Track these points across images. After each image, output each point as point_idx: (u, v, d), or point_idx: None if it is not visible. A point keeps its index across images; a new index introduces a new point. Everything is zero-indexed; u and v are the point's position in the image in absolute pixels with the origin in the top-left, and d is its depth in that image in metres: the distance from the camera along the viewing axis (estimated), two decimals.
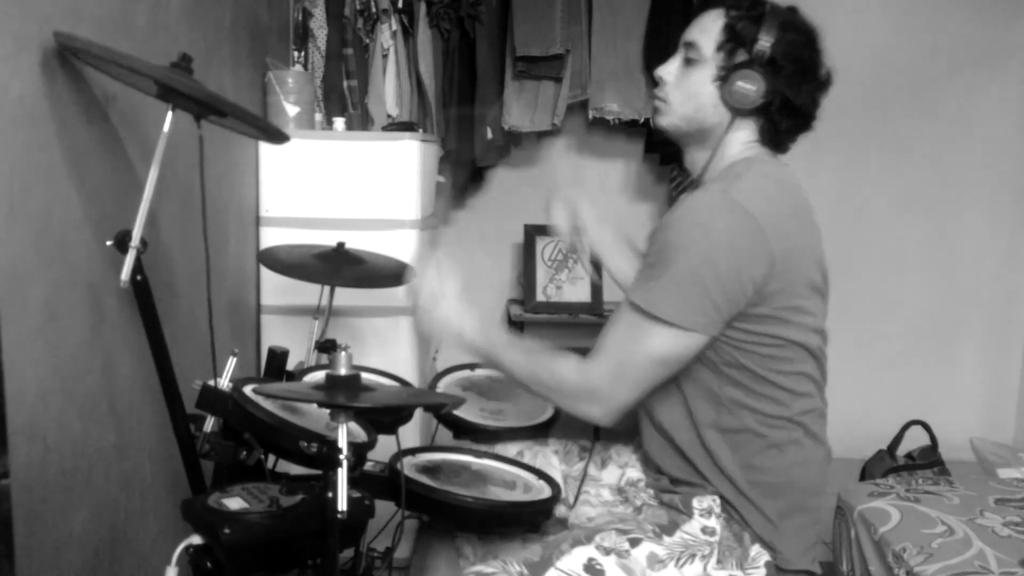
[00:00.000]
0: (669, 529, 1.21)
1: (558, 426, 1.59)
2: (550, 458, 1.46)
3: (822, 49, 1.23)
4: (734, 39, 1.19)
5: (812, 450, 1.24)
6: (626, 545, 1.16)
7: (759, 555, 1.20)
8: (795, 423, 1.21)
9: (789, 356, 1.19)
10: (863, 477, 2.37)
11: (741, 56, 1.19)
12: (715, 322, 1.13)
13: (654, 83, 1.31)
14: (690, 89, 1.23)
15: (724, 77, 1.20)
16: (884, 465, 2.37)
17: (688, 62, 1.24)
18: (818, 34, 1.23)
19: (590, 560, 1.14)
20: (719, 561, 1.18)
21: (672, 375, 1.19)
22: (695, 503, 1.22)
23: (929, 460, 2.37)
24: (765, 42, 1.17)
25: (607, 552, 1.15)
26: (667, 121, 1.28)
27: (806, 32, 1.21)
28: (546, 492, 1.34)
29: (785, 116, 1.22)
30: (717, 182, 1.20)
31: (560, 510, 1.38)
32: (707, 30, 1.22)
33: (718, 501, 1.22)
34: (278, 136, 1.42)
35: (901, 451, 2.43)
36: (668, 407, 1.25)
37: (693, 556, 1.18)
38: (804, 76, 1.20)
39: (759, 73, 1.17)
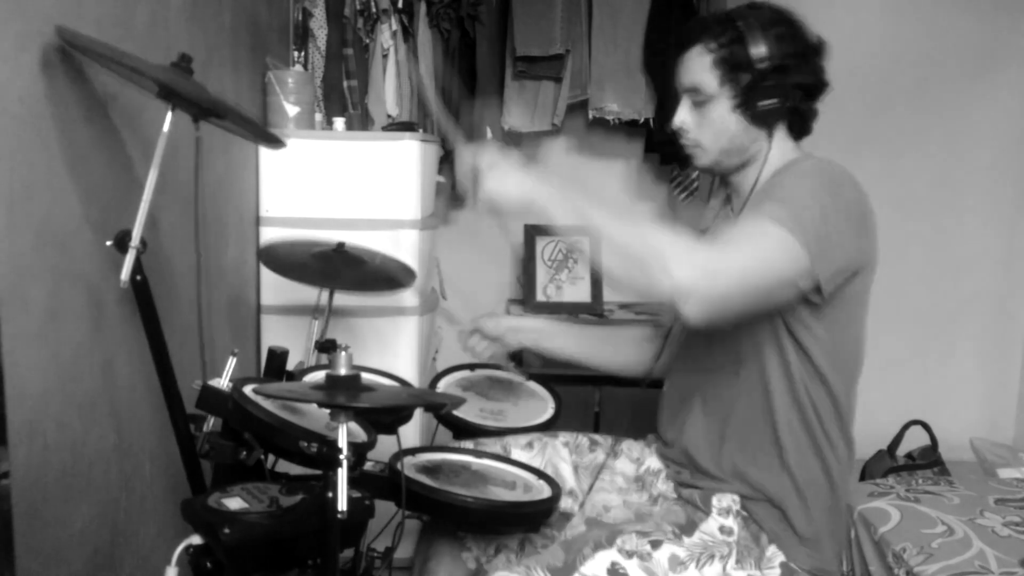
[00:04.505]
0: (688, 529, 1.22)
1: (558, 426, 1.59)
2: (560, 451, 1.47)
3: (799, 19, 1.22)
4: (733, 68, 1.20)
5: (847, 448, 1.26)
6: (648, 548, 1.17)
7: (775, 555, 1.21)
8: (842, 420, 1.24)
9: (846, 344, 1.21)
10: (863, 477, 2.37)
11: (746, 78, 1.19)
12: (822, 252, 1.09)
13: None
14: (716, 127, 1.24)
15: (744, 103, 1.21)
16: (884, 465, 2.37)
17: (698, 104, 1.24)
18: (786, 10, 1.22)
19: (613, 564, 1.15)
20: (738, 561, 1.19)
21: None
22: (714, 501, 1.23)
23: (929, 460, 2.37)
24: (760, 56, 1.18)
25: (629, 555, 1.16)
26: (708, 160, 1.28)
27: (779, 16, 1.21)
28: (546, 492, 1.34)
29: (806, 100, 1.23)
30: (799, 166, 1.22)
31: (566, 502, 1.39)
32: (701, 70, 1.22)
33: (738, 500, 1.23)
34: (274, 141, 1.44)
35: (901, 451, 2.43)
36: (747, 398, 1.24)
37: (712, 556, 1.18)
38: (804, 57, 1.20)
39: (771, 82, 1.18)
